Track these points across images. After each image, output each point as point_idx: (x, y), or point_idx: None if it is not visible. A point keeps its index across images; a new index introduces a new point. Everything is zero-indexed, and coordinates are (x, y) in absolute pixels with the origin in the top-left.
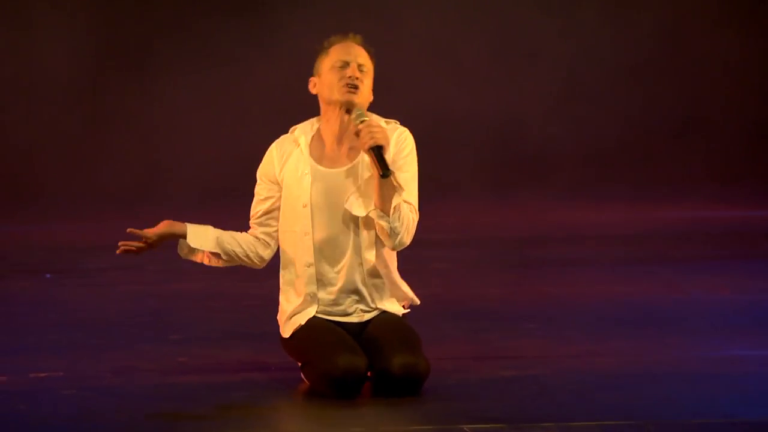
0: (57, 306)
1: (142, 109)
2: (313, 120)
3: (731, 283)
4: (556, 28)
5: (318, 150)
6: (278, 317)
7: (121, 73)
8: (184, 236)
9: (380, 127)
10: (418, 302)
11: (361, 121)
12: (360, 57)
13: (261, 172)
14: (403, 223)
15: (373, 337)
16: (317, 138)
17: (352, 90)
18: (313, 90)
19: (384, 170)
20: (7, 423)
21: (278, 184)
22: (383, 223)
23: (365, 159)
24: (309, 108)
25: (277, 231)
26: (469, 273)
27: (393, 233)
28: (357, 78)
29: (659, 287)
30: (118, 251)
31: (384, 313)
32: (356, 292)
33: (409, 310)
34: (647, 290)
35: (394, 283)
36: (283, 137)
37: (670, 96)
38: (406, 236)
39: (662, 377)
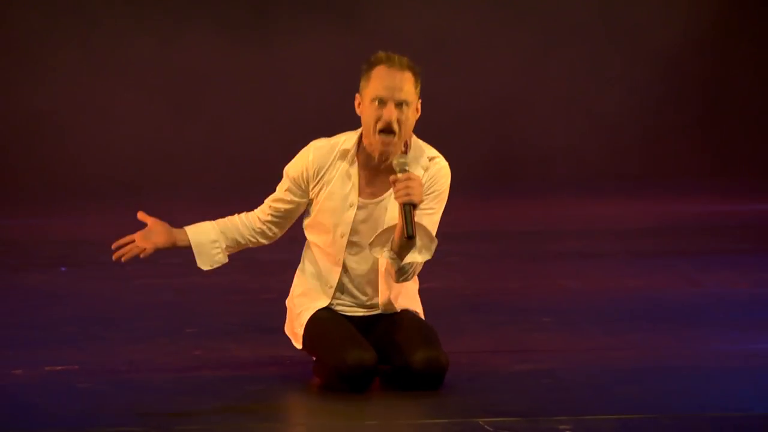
0: (72, 299)
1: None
2: (356, 135)
3: (748, 276)
4: (575, 16)
5: (362, 177)
6: (288, 313)
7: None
8: (186, 247)
9: (418, 182)
10: (422, 309)
11: (401, 170)
12: (401, 91)
13: (293, 174)
14: (413, 274)
15: (390, 333)
16: (361, 159)
17: (388, 138)
18: (357, 110)
19: (409, 232)
20: (23, 416)
21: (308, 193)
22: (394, 267)
23: None
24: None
25: (285, 229)
26: (485, 267)
27: (399, 277)
28: (393, 123)
29: (676, 281)
30: (114, 258)
31: (397, 312)
32: (374, 295)
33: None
34: (664, 284)
35: (412, 297)
36: (323, 144)
37: (686, 88)
38: (412, 278)
39: (678, 371)
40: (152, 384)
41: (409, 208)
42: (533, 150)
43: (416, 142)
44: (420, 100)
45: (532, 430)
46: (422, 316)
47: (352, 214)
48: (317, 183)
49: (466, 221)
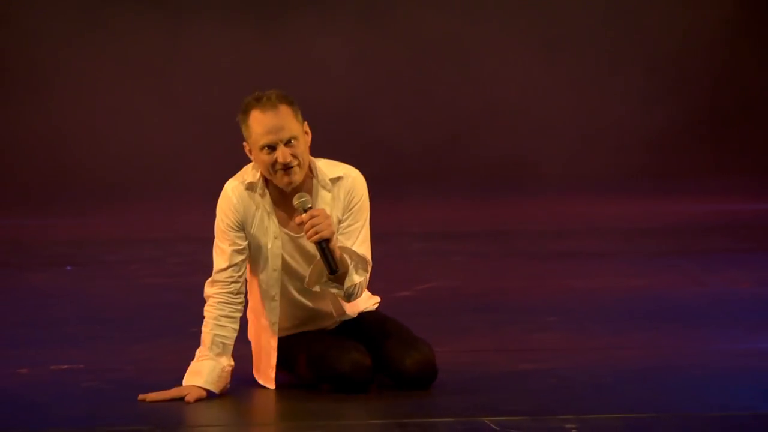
0: (78, 298)
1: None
2: (258, 171)
3: (754, 276)
4: (593, 15)
5: (282, 210)
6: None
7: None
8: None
9: (323, 215)
10: (379, 299)
11: (305, 210)
12: (284, 130)
13: (227, 221)
14: (361, 290)
15: (370, 341)
16: (273, 193)
17: (289, 172)
18: (249, 156)
19: (331, 269)
20: (28, 415)
21: (245, 233)
22: (339, 294)
23: None
24: None
25: (244, 281)
26: (489, 266)
27: (348, 299)
28: (290, 161)
29: (680, 280)
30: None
31: (361, 314)
32: (328, 315)
33: (377, 305)
34: (668, 283)
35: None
36: (236, 184)
37: (691, 87)
38: (361, 294)
39: (683, 370)
40: (157, 383)
41: (324, 245)
42: (538, 149)
43: (319, 167)
44: (305, 122)
45: (537, 429)
46: (377, 308)
47: (279, 246)
48: (250, 223)
49: (471, 221)
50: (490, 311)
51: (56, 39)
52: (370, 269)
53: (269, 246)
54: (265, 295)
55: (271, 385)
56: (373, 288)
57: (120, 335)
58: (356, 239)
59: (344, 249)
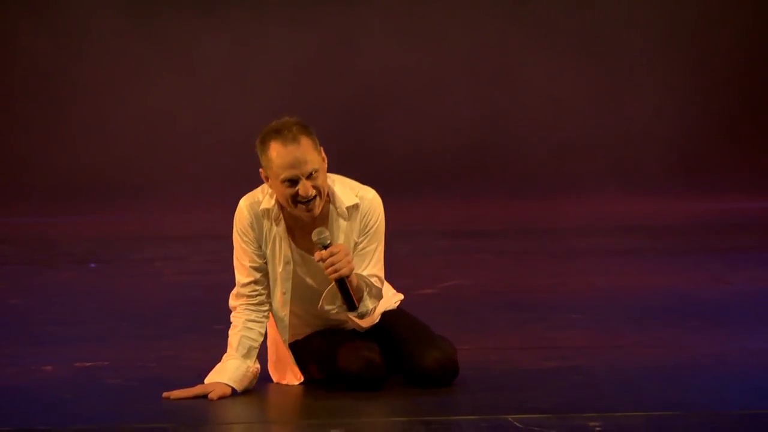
0: (102, 296)
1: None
2: (273, 197)
3: None
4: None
5: (296, 233)
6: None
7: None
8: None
9: (343, 252)
10: (402, 296)
11: (324, 246)
12: (306, 164)
13: (247, 239)
14: (371, 314)
15: (389, 340)
16: (289, 219)
17: (311, 205)
18: (266, 182)
19: (350, 306)
20: (53, 412)
21: (262, 250)
22: (352, 317)
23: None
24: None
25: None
26: (514, 264)
27: (363, 319)
28: (311, 194)
29: (705, 278)
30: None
31: (382, 313)
32: (343, 323)
33: (399, 303)
34: (692, 281)
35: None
36: (251, 206)
37: (719, 86)
38: (373, 315)
39: (707, 368)
40: (181, 381)
41: (342, 282)
42: (563, 147)
43: (336, 195)
44: (321, 148)
45: (561, 426)
46: (397, 306)
47: (289, 271)
48: (261, 240)
49: (495, 219)
50: (515, 309)
51: (87, 38)
52: (382, 294)
53: (279, 270)
54: (275, 315)
55: (295, 381)
56: (396, 285)
57: (144, 332)
58: (370, 261)
59: (360, 277)
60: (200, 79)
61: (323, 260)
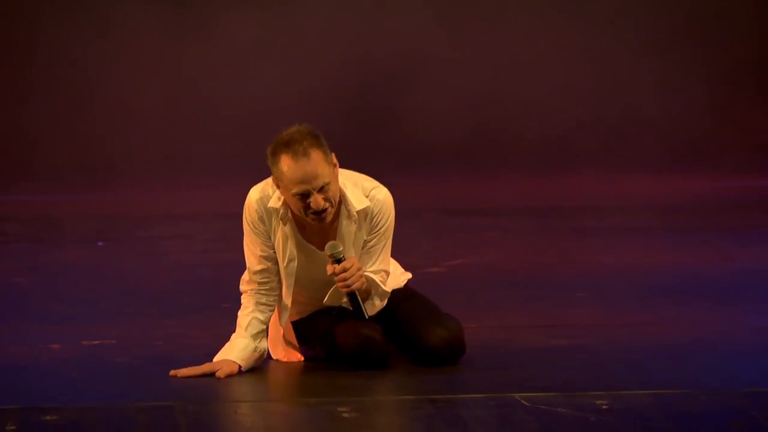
0: (109, 274)
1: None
2: (280, 198)
3: None
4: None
5: (300, 226)
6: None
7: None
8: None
9: (355, 267)
10: (410, 275)
11: (336, 260)
12: (318, 179)
13: (257, 231)
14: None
15: (394, 319)
16: (298, 219)
17: (320, 220)
18: (278, 188)
19: (359, 316)
20: (60, 390)
21: (271, 238)
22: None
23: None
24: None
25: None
26: (521, 242)
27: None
28: (323, 206)
29: (712, 256)
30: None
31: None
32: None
33: (407, 281)
34: (700, 259)
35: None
36: (260, 200)
37: (722, 66)
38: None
39: (714, 346)
40: (189, 359)
41: (353, 295)
42: (571, 126)
43: (347, 198)
44: (332, 154)
45: (568, 405)
46: (405, 285)
47: (293, 267)
48: (269, 233)
49: (502, 197)
50: (521, 287)
51: (96, 29)
52: (388, 297)
53: (284, 265)
54: (279, 301)
55: (296, 359)
56: (404, 264)
57: (151, 311)
58: (377, 258)
59: (368, 279)
60: (212, 58)
61: (335, 274)
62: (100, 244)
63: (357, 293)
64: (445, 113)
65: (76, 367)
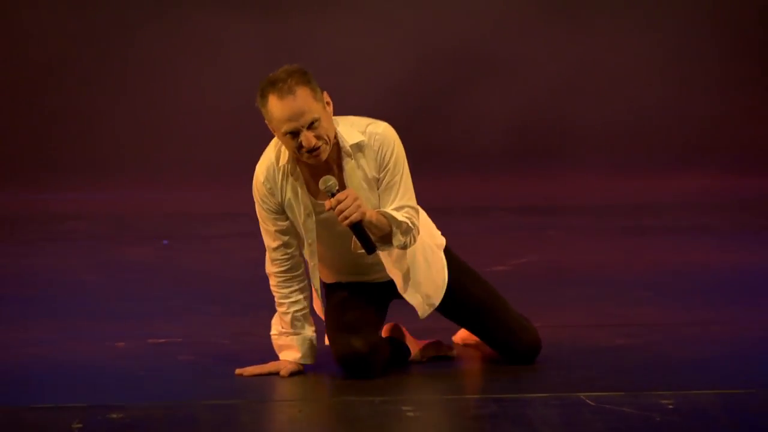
0: (174, 272)
1: None
2: (285, 153)
3: None
4: None
5: (308, 185)
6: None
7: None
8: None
9: (352, 198)
10: (444, 240)
11: (331, 194)
12: (305, 115)
13: (265, 206)
14: (413, 240)
15: (466, 318)
16: (304, 172)
17: (317, 152)
18: (275, 134)
19: (368, 251)
20: (126, 388)
21: (284, 213)
22: (390, 249)
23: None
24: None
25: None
26: (583, 240)
27: (401, 249)
28: (314, 144)
29: None
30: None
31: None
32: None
33: (442, 247)
34: (765, 257)
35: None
36: (265, 166)
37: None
38: (415, 239)
39: None
40: (254, 357)
41: (358, 227)
42: (634, 124)
43: (341, 135)
44: (324, 93)
45: (634, 404)
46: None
47: (312, 221)
48: (282, 201)
49: (563, 195)
50: (586, 286)
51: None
52: (418, 215)
53: (302, 221)
54: (307, 263)
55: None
56: (471, 262)
57: (217, 309)
58: (397, 192)
59: (382, 214)
60: (282, 61)
61: (333, 209)
62: (165, 242)
63: (361, 224)
64: (509, 112)
65: (141, 365)
